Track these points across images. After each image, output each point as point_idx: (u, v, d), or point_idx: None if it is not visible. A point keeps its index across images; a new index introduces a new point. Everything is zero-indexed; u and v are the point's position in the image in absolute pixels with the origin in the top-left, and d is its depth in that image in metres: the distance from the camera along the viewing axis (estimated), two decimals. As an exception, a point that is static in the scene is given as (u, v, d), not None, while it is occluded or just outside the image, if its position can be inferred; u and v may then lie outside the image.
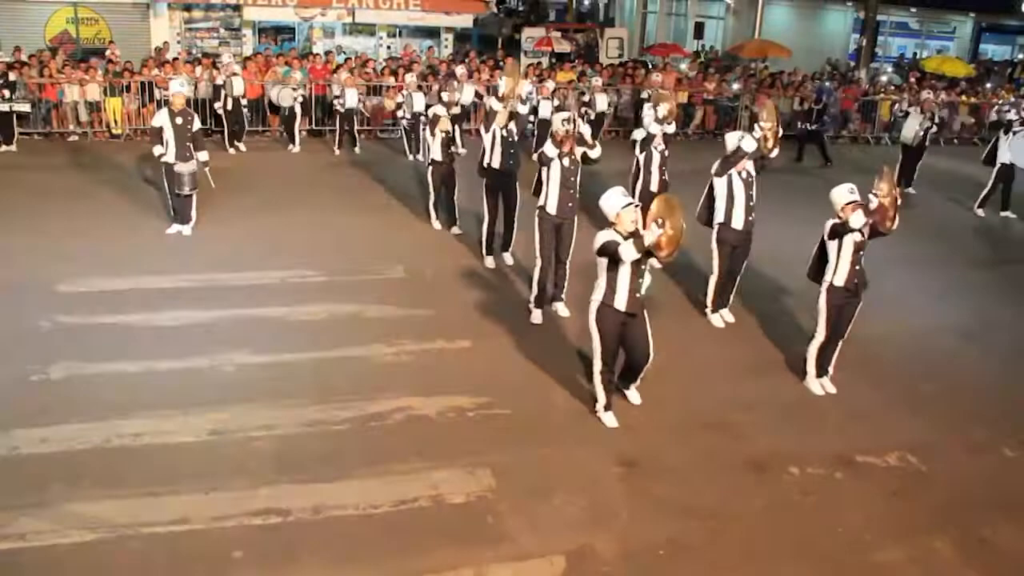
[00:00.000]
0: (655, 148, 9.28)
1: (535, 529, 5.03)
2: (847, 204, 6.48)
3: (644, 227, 5.66)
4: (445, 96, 11.20)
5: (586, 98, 14.63)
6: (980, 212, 12.62)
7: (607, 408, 6.18)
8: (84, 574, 4.51)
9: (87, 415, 5.90)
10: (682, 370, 7.10)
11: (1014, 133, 12.13)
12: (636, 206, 5.83)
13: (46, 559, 4.57)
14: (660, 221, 5.56)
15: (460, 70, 15.72)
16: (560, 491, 5.39)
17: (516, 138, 8.81)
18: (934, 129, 13.73)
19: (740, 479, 5.68)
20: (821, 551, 5.03)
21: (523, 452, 5.80)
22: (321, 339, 7.28)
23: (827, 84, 18.30)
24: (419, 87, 14.38)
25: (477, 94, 15.33)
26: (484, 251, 9.21)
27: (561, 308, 7.76)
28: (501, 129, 8.62)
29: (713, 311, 8.06)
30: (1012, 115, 12.69)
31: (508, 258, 9.26)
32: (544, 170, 7.48)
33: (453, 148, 9.86)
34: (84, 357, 6.71)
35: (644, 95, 15.49)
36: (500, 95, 8.77)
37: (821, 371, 6.90)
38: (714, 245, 7.85)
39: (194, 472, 5.35)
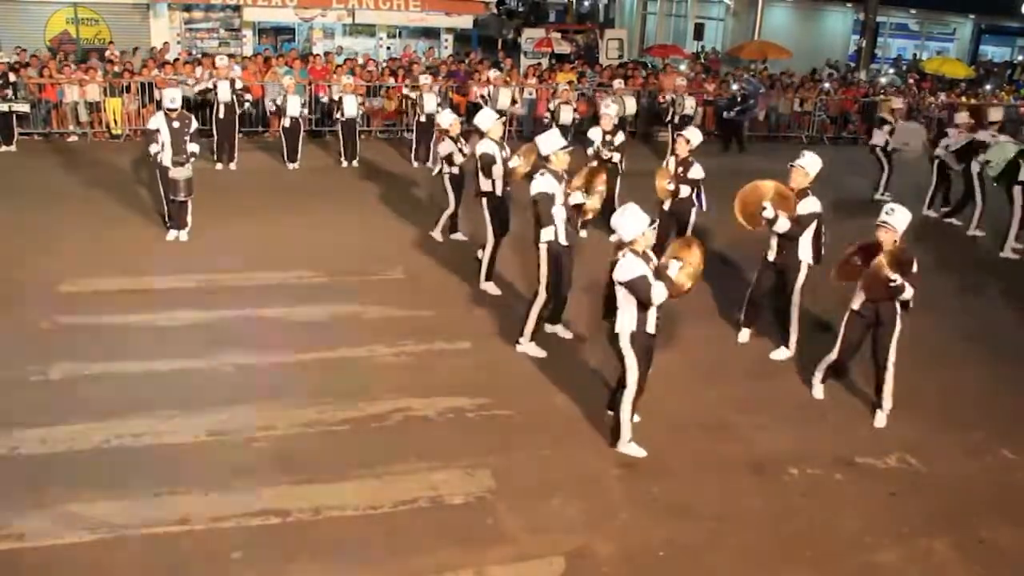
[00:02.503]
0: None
1: (534, 530, 5.03)
2: (882, 225, 6.13)
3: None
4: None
5: (610, 101, 14.49)
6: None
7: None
8: (84, 574, 4.51)
9: (87, 415, 5.89)
10: (682, 371, 7.10)
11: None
12: (654, 224, 5.66)
13: (46, 559, 4.57)
14: (679, 259, 5.62)
15: (494, 73, 15.63)
16: (559, 492, 5.39)
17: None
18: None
19: (740, 480, 5.68)
20: (821, 552, 5.03)
21: (523, 453, 5.80)
22: (321, 339, 7.28)
23: (752, 78, 18.43)
24: (432, 88, 13.87)
25: (513, 100, 15.24)
26: (484, 277, 8.57)
27: (560, 330, 7.56)
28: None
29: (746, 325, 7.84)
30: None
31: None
32: (549, 206, 6.97)
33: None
34: (84, 357, 6.70)
35: (669, 97, 15.28)
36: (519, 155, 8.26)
37: (826, 378, 6.82)
38: None
39: (194, 472, 5.35)
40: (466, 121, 14.09)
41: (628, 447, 5.87)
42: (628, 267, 5.44)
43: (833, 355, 6.61)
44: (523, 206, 7.89)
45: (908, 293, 6.12)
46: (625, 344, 5.64)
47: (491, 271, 8.57)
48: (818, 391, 6.85)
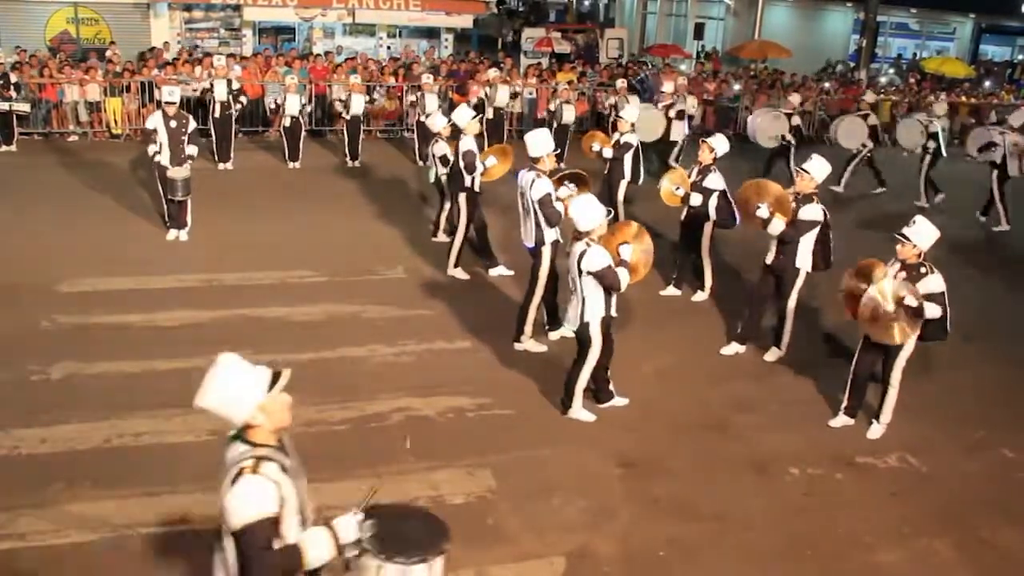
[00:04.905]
0: None
1: (535, 530, 5.03)
2: (900, 237, 6.00)
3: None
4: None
5: (613, 101, 14.43)
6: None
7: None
8: (84, 574, 4.51)
9: (87, 415, 5.89)
10: (682, 371, 7.11)
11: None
12: (610, 214, 5.99)
13: (46, 559, 4.57)
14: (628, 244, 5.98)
15: (493, 72, 15.68)
16: (560, 492, 5.39)
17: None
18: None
19: (740, 480, 5.68)
20: (821, 551, 5.03)
21: (523, 452, 5.80)
22: (321, 339, 7.28)
23: (646, 73, 18.46)
24: (433, 89, 13.70)
25: (513, 94, 15.22)
26: (453, 264, 8.90)
27: (564, 330, 7.57)
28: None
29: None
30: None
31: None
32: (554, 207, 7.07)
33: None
34: (84, 357, 6.70)
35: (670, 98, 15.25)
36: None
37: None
38: None
39: (194, 472, 5.32)
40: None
41: (580, 412, 6.22)
42: (596, 257, 5.71)
43: (850, 375, 6.37)
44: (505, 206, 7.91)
45: (932, 311, 5.79)
46: (595, 330, 5.92)
47: (460, 259, 8.95)
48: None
